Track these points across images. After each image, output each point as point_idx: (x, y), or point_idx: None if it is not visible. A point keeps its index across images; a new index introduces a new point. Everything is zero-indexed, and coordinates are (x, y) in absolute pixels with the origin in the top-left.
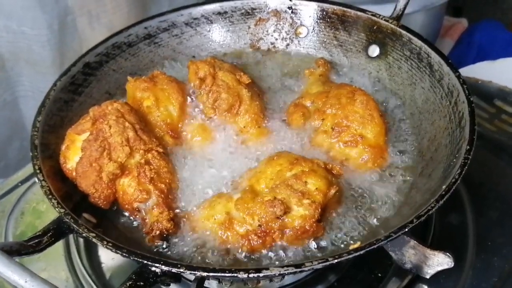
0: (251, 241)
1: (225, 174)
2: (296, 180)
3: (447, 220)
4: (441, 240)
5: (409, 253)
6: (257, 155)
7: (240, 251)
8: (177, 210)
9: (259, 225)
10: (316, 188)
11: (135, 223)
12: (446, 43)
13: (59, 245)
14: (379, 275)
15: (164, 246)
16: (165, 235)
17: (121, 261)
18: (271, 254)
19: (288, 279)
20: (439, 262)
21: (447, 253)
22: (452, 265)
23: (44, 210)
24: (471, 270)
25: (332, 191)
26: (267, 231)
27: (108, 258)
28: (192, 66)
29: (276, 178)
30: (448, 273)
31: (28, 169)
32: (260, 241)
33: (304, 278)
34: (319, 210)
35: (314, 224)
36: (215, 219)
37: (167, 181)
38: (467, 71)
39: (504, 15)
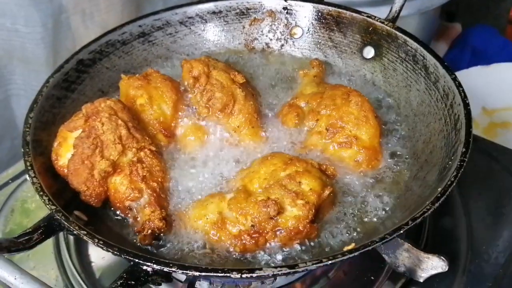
0: (244, 241)
1: (218, 173)
2: (290, 180)
3: (440, 224)
4: (434, 245)
5: (403, 256)
6: (251, 155)
7: (232, 251)
8: (169, 209)
9: (252, 225)
10: (310, 189)
11: (126, 222)
12: (440, 47)
13: (49, 243)
14: (372, 278)
15: (156, 245)
16: (156, 234)
17: (111, 260)
18: (263, 254)
19: (280, 281)
20: (433, 265)
21: (442, 257)
22: (446, 269)
23: (33, 209)
24: (465, 274)
25: (326, 192)
26: (260, 231)
27: (98, 257)
28: (186, 65)
29: (269, 178)
30: (441, 277)
31: (19, 166)
32: (253, 241)
33: (296, 280)
34: (313, 210)
35: (308, 225)
36: (207, 218)
37: (159, 179)
38: (461, 76)
39: (497, 20)
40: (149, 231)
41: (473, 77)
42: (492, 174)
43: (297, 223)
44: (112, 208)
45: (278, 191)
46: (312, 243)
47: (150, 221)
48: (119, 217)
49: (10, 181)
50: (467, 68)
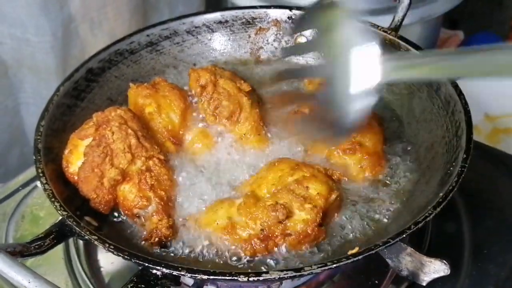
0: (254, 245)
1: (226, 180)
2: (298, 185)
3: (443, 229)
4: (437, 249)
5: (406, 260)
6: (258, 162)
7: (242, 256)
8: (177, 217)
9: (262, 229)
10: (318, 193)
11: (135, 228)
12: None
13: (59, 249)
14: (376, 282)
15: (165, 250)
16: (163, 242)
17: (120, 266)
18: (271, 261)
19: (286, 286)
20: (435, 269)
21: (444, 261)
22: (448, 272)
23: (43, 215)
24: (467, 277)
25: (333, 196)
26: (270, 235)
27: (108, 262)
28: (193, 74)
29: (277, 183)
30: (444, 280)
31: (29, 173)
32: (263, 245)
33: (301, 284)
34: (321, 214)
35: (316, 228)
36: (217, 224)
37: (167, 188)
38: (463, 83)
39: (500, 27)
40: (156, 239)
41: (476, 84)
42: (494, 180)
43: (305, 226)
44: (122, 215)
45: (286, 196)
46: (317, 248)
47: (157, 229)
48: (128, 224)
49: (20, 188)
50: None
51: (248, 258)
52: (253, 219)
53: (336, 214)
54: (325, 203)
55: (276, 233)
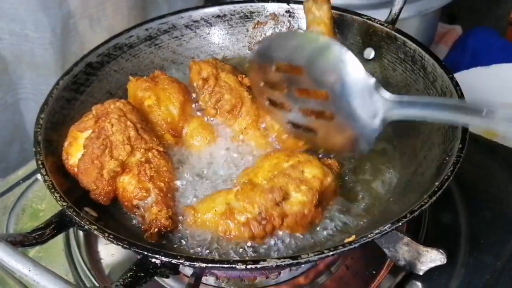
0: (252, 228)
1: (224, 173)
2: (293, 169)
3: (440, 220)
4: (434, 239)
5: (403, 250)
6: (256, 155)
7: (240, 245)
8: (176, 208)
9: (259, 212)
10: (313, 176)
11: (135, 218)
12: (441, 49)
13: (60, 241)
14: (374, 272)
15: (165, 240)
16: (163, 233)
17: (120, 257)
18: (270, 251)
19: (284, 276)
20: (432, 258)
21: (440, 250)
22: (445, 262)
23: (44, 208)
24: (464, 267)
25: (328, 179)
26: (267, 217)
27: (108, 254)
28: (195, 67)
29: (273, 169)
30: (441, 269)
31: (30, 167)
32: (261, 227)
33: (299, 275)
34: (317, 196)
35: (313, 209)
36: (215, 210)
37: (166, 179)
38: (461, 76)
39: (498, 22)
40: (156, 229)
41: (473, 78)
42: (491, 171)
43: (302, 207)
44: (121, 206)
45: (282, 180)
46: (314, 237)
47: (156, 220)
48: (128, 214)
49: (21, 181)
50: (467, 69)
51: (246, 247)
52: (251, 203)
53: (332, 201)
54: (321, 186)
55: (274, 216)
